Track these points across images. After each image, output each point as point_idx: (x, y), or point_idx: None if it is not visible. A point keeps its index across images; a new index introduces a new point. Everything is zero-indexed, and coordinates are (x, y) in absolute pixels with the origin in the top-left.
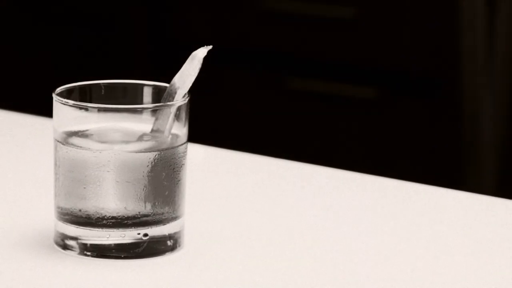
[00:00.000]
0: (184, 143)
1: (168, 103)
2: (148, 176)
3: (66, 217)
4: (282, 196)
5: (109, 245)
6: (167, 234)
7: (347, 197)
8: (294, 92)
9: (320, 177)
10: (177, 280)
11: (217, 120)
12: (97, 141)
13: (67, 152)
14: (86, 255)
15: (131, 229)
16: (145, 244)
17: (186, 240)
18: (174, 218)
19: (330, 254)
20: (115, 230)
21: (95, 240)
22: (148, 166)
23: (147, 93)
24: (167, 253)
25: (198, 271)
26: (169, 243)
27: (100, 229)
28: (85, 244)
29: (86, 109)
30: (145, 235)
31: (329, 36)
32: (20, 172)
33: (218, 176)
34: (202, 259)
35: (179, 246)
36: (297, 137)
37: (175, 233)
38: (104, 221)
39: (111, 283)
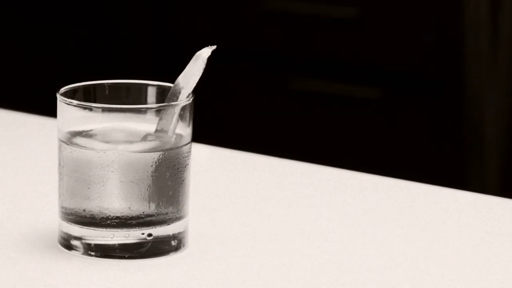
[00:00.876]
0: (188, 143)
1: (172, 103)
2: (152, 176)
3: (70, 217)
4: (285, 196)
5: (113, 245)
6: (171, 234)
7: (351, 197)
8: (296, 92)
9: (323, 177)
10: (181, 280)
11: (220, 120)
12: (101, 141)
13: (71, 152)
14: (90, 255)
15: (135, 229)
16: (149, 244)
17: (190, 240)
18: (178, 218)
19: (332, 254)
20: (119, 230)
21: (99, 240)
22: (152, 166)
23: (151, 93)
24: (171, 253)
25: (202, 271)
26: (173, 243)
27: (104, 229)
28: (89, 244)
29: (90, 109)
30: (149, 235)
31: (331, 36)
32: (24, 172)
33: (222, 176)
34: (206, 259)
35: (183, 246)
36: (300, 136)
37: (179, 233)
38: (108, 221)
39: (115, 283)
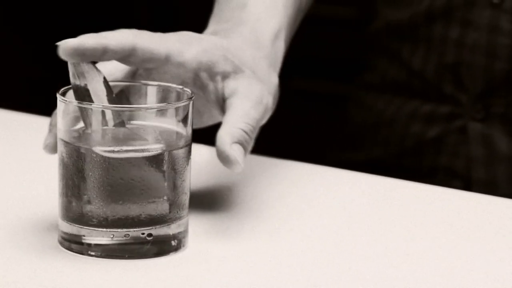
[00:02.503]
0: (188, 143)
1: (173, 103)
2: (152, 176)
3: (70, 217)
4: (285, 196)
5: (113, 245)
6: (171, 234)
7: (351, 197)
8: (297, 91)
9: (324, 177)
10: (181, 280)
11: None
12: (102, 141)
13: (71, 152)
14: (90, 255)
15: (135, 229)
16: (149, 244)
17: (190, 240)
18: (178, 218)
19: (333, 254)
20: (119, 230)
21: (99, 240)
22: (152, 166)
23: (151, 93)
24: (171, 253)
25: (202, 271)
26: (173, 243)
27: (104, 229)
28: (89, 244)
29: (90, 109)
30: (149, 235)
31: (332, 36)
32: (24, 172)
33: (221, 176)
34: (206, 259)
35: (183, 246)
36: (300, 137)
37: (179, 233)
38: (108, 221)
39: (115, 283)
